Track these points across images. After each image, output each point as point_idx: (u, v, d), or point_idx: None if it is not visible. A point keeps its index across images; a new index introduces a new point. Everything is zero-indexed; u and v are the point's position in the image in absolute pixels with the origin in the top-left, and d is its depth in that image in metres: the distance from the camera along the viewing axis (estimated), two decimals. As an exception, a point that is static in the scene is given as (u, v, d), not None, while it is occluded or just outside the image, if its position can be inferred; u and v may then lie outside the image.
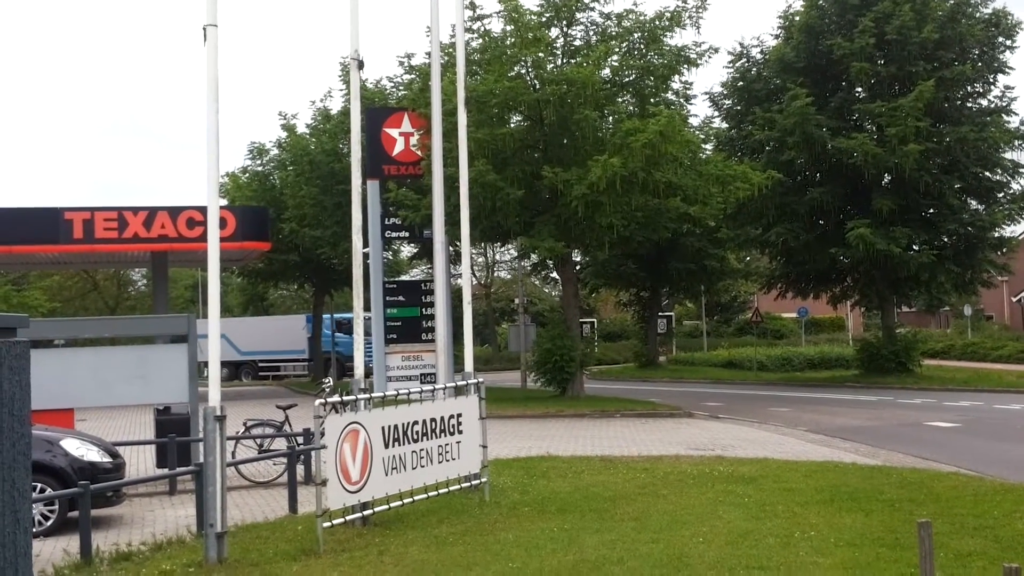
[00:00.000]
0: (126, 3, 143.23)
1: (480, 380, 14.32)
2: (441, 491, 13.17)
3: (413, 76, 35.62)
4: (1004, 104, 40.31)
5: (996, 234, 40.56)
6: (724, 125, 43.24)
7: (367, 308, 28.17)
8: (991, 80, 40.48)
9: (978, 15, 39.51)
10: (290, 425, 18.47)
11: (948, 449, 19.78)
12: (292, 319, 59.97)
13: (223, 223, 30.16)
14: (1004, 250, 42.20)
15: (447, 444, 13.13)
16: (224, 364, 55.24)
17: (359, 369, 12.90)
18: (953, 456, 18.53)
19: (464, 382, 14.24)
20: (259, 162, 49.31)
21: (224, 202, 44.42)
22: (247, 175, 49.35)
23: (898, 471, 15.72)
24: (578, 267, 44.43)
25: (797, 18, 40.68)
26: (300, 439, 16.69)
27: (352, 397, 11.89)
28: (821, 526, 11.25)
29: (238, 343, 55.87)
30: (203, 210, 29.47)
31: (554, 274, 53.60)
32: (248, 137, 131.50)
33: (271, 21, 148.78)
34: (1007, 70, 40.23)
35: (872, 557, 9.80)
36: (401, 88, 38.42)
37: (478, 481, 13.84)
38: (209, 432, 10.61)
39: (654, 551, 10.22)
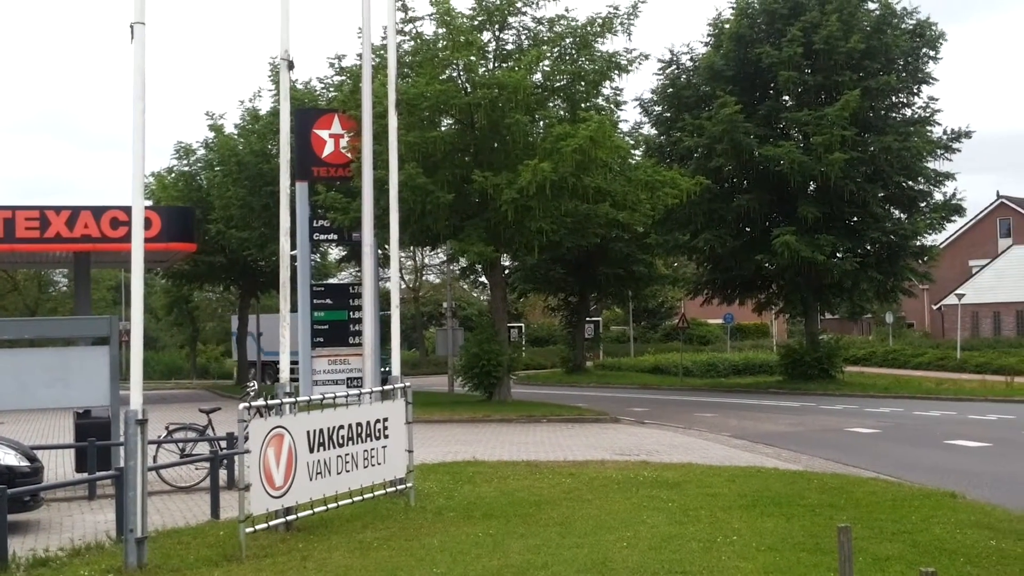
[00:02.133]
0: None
1: (407, 384, 14.25)
2: (366, 496, 13.09)
3: (344, 77, 35.44)
4: (928, 115, 41.09)
5: (918, 243, 41.28)
6: (654, 131, 43.58)
7: (293, 311, 27.98)
8: (915, 90, 41.23)
9: (903, 26, 40.22)
10: (213, 429, 18.26)
11: (868, 455, 20.07)
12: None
13: (148, 223, 29.75)
14: (925, 259, 43.01)
15: (373, 449, 13.06)
16: (251, 364, 52.39)
17: (284, 373, 12.78)
18: (873, 461, 18.80)
19: (391, 386, 14.17)
20: (185, 162, 48.73)
21: (149, 202, 43.85)
22: (173, 175, 48.75)
23: (819, 476, 15.92)
24: (507, 271, 44.53)
25: (727, 26, 41.11)
26: (223, 443, 16.49)
27: (277, 401, 11.78)
28: (743, 531, 11.36)
29: (263, 341, 51.77)
30: (127, 210, 28.98)
31: (483, 278, 53.62)
32: (174, 137, 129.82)
33: (198, 19, 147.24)
34: (931, 81, 41.07)
35: (793, 561, 9.91)
36: (331, 89, 38.19)
37: (404, 486, 13.78)
38: (130, 436, 10.44)
39: (578, 556, 10.25)
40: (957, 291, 59.37)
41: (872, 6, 40.56)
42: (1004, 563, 9.78)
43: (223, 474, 15.44)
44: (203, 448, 17.48)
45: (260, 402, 11.58)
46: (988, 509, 12.74)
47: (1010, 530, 11.31)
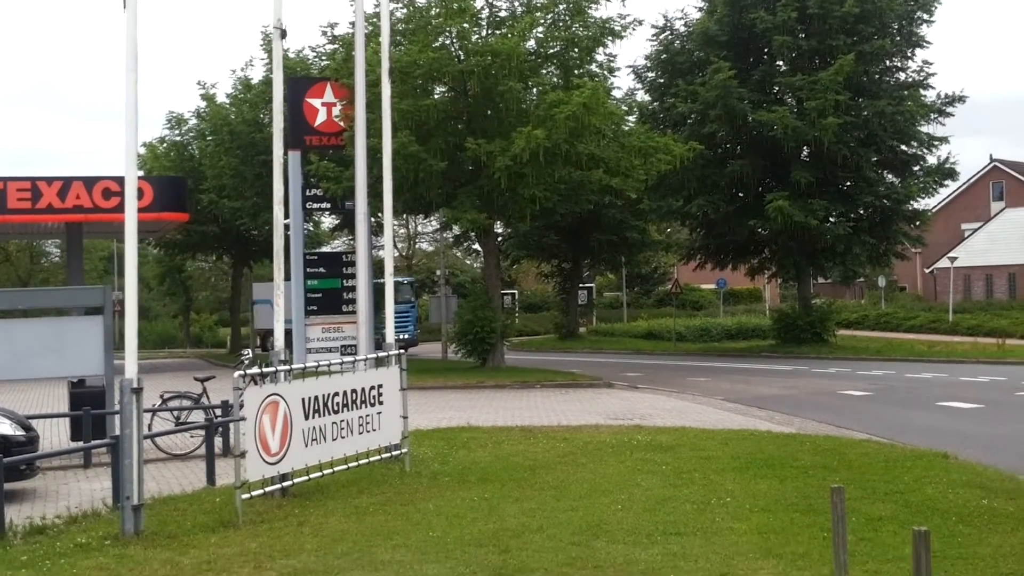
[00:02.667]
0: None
1: (401, 351, 14.31)
2: (362, 462, 13.16)
3: (336, 46, 35.26)
4: (921, 78, 41.08)
5: (911, 207, 41.33)
6: (647, 98, 43.49)
7: (287, 279, 28.01)
8: (909, 54, 41.17)
9: (898, -12, 40.10)
10: (208, 397, 18.30)
11: (861, 417, 20.18)
12: None
13: (140, 194, 29.31)
14: (918, 223, 43.06)
15: (368, 415, 13.12)
16: (268, 332, 51.64)
17: (279, 340, 12.80)
18: (865, 424, 18.91)
19: (385, 353, 14.22)
20: (177, 132, 48.57)
21: (141, 173, 43.70)
22: (165, 145, 48.62)
23: (812, 439, 16.02)
24: (500, 239, 44.48)
25: (721, -9, 40.94)
26: (218, 411, 16.54)
27: (272, 369, 11.82)
28: (737, 492, 11.45)
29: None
30: (119, 180, 28.86)
31: (476, 246, 53.58)
32: (166, 107, 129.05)
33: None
34: (925, 44, 41.00)
35: (786, 522, 10.00)
36: (323, 58, 38.01)
37: (399, 452, 13.85)
38: (126, 404, 10.47)
39: (573, 519, 10.33)
40: (949, 254, 59.49)
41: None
42: (996, 521, 9.87)
43: (218, 441, 15.50)
44: (198, 416, 17.54)
45: (255, 369, 11.59)
46: (980, 469, 12.85)
47: (1001, 489, 11.41)
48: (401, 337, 43.18)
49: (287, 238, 29.11)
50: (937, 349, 39.11)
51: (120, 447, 10.76)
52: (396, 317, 42.71)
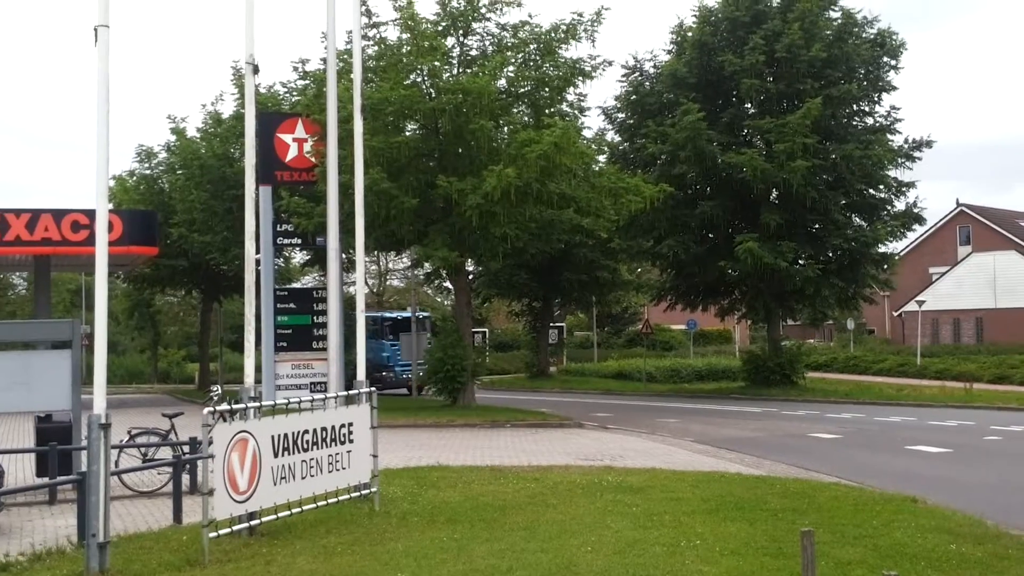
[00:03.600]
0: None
1: (372, 389, 14.25)
2: (331, 500, 13.06)
3: (308, 82, 35.32)
4: (889, 123, 41.49)
5: (879, 250, 41.58)
6: (617, 138, 43.70)
7: (258, 316, 27.87)
8: (876, 99, 41.62)
9: (864, 35, 40.63)
10: (176, 434, 18.14)
11: (830, 460, 20.22)
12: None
13: (110, 227, 29.26)
14: (886, 266, 43.36)
15: (337, 453, 13.04)
16: None
17: (248, 377, 12.72)
18: (835, 467, 18.95)
19: (356, 391, 14.15)
20: (147, 165, 48.36)
21: (111, 206, 43.50)
22: (134, 178, 48.40)
23: (782, 481, 16.02)
24: (471, 276, 44.48)
25: (689, 34, 41.36)
26: (186, 448, 16.38)
27: (241, 406, 11.74)
28: (707, 535, 11.43)
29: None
30: (89, 213, 28.74)
31: (447, 283, 53.50)
32: (135, 140, 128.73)
33: (160, 21, 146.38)
34: (891, 89, 41.42)
35: (756, 566, 9.98)
36: (294, 93, 38.06)
37: (368, 491, 13.76)
38: (93, 440, 10.38)
39: (543, 560, 10.28)
40: (917, 298, 59.99)
41: (834, 15, 40.91)
42: (964, 567, 9.90)
43: (186, 479, 15.35)
44: (166, 453, 17.38)
45: (224, 406, 11.50)
46: (948, 514, 12.88)
47: (970, 534, 11.44)
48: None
49: (257, 273, 29.05)
50: (905, 393, 39.33)
51: (87, 484, 10.64)
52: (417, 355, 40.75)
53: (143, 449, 17.92)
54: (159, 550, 11.20)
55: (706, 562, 10.15)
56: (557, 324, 63.29)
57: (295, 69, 36.76)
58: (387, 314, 46.79)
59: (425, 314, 50.01)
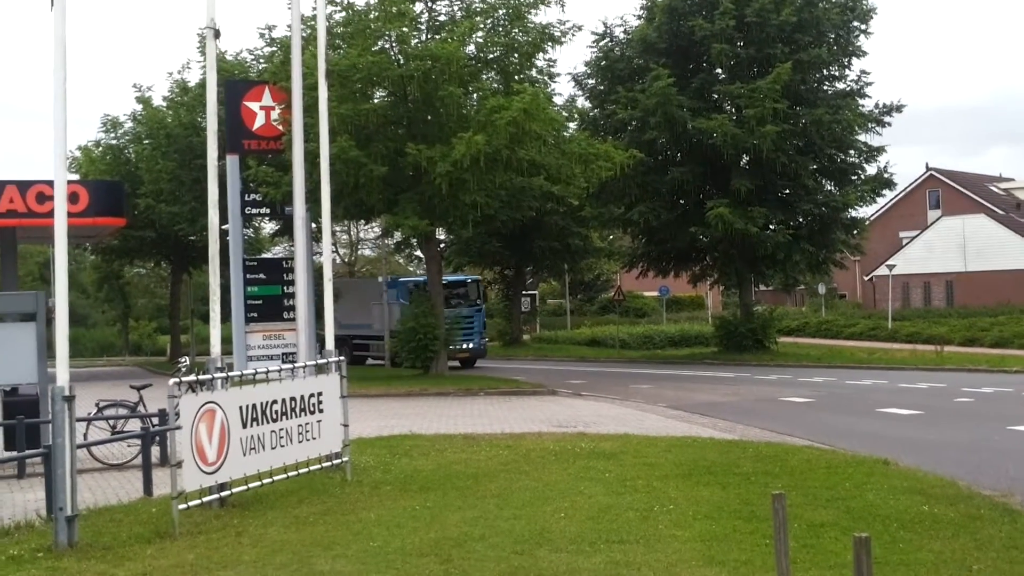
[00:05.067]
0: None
1: (342, 358, 14.14)
2: (301, 471, 12.97)
3: (274, 49, 34.95)
4: (859, 88, 41.49)
5: (849, 215, 41.68)
6: (587, 104, 43.50)
7: (227, 287, 27.65)
8: (846, 63, 41.59)
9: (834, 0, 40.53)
10: (144, 406, 17.99)
11: (802, 423, 20.28)
12: (368, 283, 49.42)
13: (75, 198, 29.14)
14: (856, 231, 43.48)
15: (307, 423, 12.93)
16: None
17: (215, 348, 12.58)
18: (807, 430, 19.00)
19: (326, 360, 14.04)
20: (113, 135, 47.97)
21: (76, 177, 43.07)
22: (100, 149, 47.95)
23: (754, 445, 16.05)
24: (442, 245, 44.36)
25: (659, -1, 41.14)
26: (155, 420, 16.24)
27: (208, 376, 11.61)
28: (680, 500, 11.41)
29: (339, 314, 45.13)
30: (53, 184, 28.42)
31: (418, 252, 53.38)
32: (101, 109, 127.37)
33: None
34: (861, 54, 41.42)
35: (729, 529, 9.97)
36: (262, 61, 37.70)
37: (339, 460, 13.67)
38: (58, 413, 10.24)
39: (516, 527, 10.23)
40: (888, 262, 60.26)
41: (804, -21, 40.77)
42: (936, 527, 9.91)
43: (155, 451, 15.21)
44: (135, 425, 17.23)
45: (191, 377, 11.37)
46: (920, 475, 12.91)
47: (941, 495, 11.47)
48: (464, 347, 40.57)
49: (225, 244, 28.78)
50: (877, 356, 39.55)
51: (52, 457, 10.50)
52: (463, 324, 39.55)
53: (112, 421, 17.76)
54: (129, 522, 11.10)
55: (679, 526, 10.13)
56: (529, 292, 63.30)
57: (262, 36, 36.48)
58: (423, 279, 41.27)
59: (474, 278, 46.98)
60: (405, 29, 30.06)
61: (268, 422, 12.16)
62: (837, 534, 9.62)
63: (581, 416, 22.04)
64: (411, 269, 75.81)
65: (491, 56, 32.10)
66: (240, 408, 11.69)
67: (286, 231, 42.85)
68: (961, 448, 16.31)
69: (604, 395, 27.54)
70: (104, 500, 13.05)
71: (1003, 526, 9.92)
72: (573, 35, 32.06)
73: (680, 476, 12.99)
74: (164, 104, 44.61)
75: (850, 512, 10.67)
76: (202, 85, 40.99)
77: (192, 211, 40.13)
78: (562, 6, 31.90)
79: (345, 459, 13.66)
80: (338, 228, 60.48)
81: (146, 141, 43.79)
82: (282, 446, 12.42)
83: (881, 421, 20.45)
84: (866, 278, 69.62)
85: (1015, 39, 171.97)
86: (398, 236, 46.62)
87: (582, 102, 43.54)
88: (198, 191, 38.38)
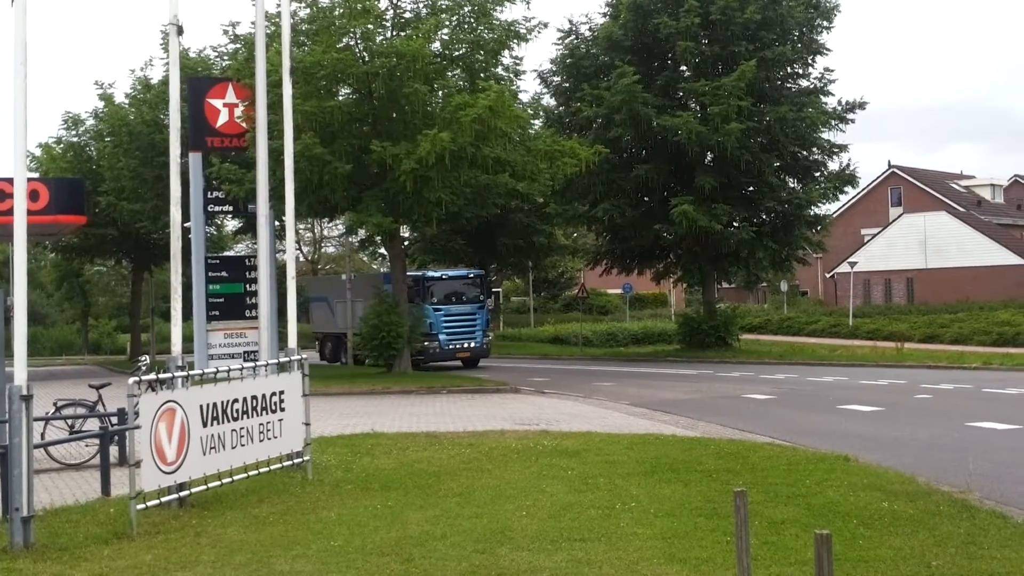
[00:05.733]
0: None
1: (304, 357, 14.07)
2: (262, 470, 12.89)
3: (238, 45, 34.72)
4: (822, 85, 41.70)
5: (812, 212, 41.88)
6: (553, 102, 43.56)
7: (189, 284, 27.48)
8: (810, 61, 41.80)
9: (799, -3, 40.73)
10: (103, 405, 17.82)
11: (764, 420, 20.36)
12: (370, 277, 46.80)
13: (35, 196, 28.89)
14: (819, 228, 43.74)
15: (269, 422, 12.86)
16: (327, 337, 45.97)
17: (176, 346, 12.48)
18: (769, 427, 19.07)
19: (287, 359, 13.96)
20: (74, 133, 47.54)
21: (36, 174, 42.68)
22: (61, 146, 47.51)
23: (716, 442, 16.08)
24: (406, 243, 44.25)
25: (625, -4, 41.16)
26: (114, 419, 16.09)
27: (168, 375, 11.51)
28: (642, 497, 11.42)
29: (350, 315, 42.63)
30: (12, 181, 28.11)
31: (382, 250, 53.25)
32: (62, 106, 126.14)
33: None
34: (825, 52, 41.64)
35: (691, 526, 9.99)
36: (225, 58, 37.44)
37: (301, 459, 13.60)
38: (14, 412, 10.12)
39: (478, 526, 10.21)
40: (849, 259, 60.69)
41: (768, -23, 40.94)
42: (896, 524, 9.96)
43: (114, 451, 15.07)
44: (93, 424, 17.06)
45: (151, 376, 11.27)
46: (880, 472, 12.98)
47: (901, 492, 11.53)
48: (465, 346, 39.13)
49: (187, 241, 28.58)
50: (838, 353, 39.80)
51: (9, 457, 10.38)
52: (460, 321, 38.31)
53: (70, 421, 17.58)
54: (86, 523, 10.99)
55: (641, 524, 10.14)
56: (493, 289, 63.18)
57: (225, 32, 36.10)
58: (430, 273, 40.15)
59: (477, 272, 43.01)
60: (370, 26, 29.97)
61: (229, 421, 12.07)
62: (798, 531, 9.65)
63: (544, 414, 22.03)
64: (375, 267, 75.66)
65: (457, 53, 32.03)
66: (200, 407, 11.61)
67: (249, 229, 42.60)
68: (921, 444, 16.42)
69: (567, 393, 27.54)
70: (61, 500, 12.91)
71: (962, 522, 9.98)
72: (539, 32, 32.11)
73: (642, 474, 13.01)
74: (126, 101, 44.22)
75: (811, 509, 10.72)
76: (165, 82, 40.65)
77: (154, 209, 39.82)
78: (528, 3, 32.21)
79: (306, 458, 13.59)
80: (301, 226, 60.29)
81: (108, 138, 43.39)
82: (243, 445, 12.34)
83: (842, 418, 20.55)
84: (828, 275, 70.07)
85: (977, 38, 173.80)
86: (362, 234, 46.47)
87: (548, 99, 43.69)
88: (160, 188, 38.07)
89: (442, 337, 38.38)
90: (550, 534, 9.77)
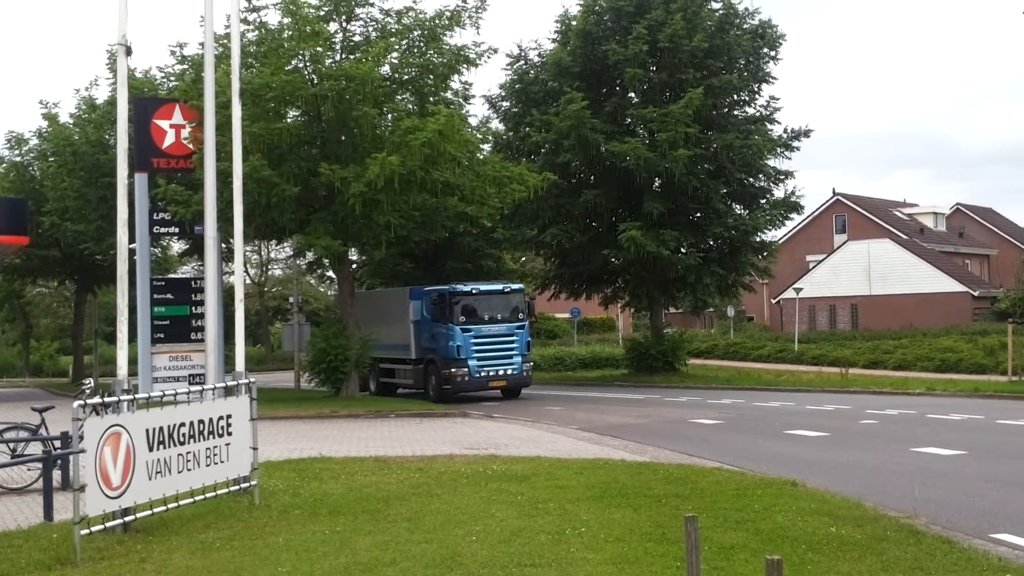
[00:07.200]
0: None
1: (251, 380, 13.92)
2: (209, 495, 12.73)
3: (186, 66, 34.53)
4: (768, 113, 42.16)
5: (758, 238, 42.24)
6: (502, 126, 43.66)
7: (133, 307, 27.16)
8: (756, 89, 42.25)
9: (745, 26, 41.20)
10: (47, 428, 17.53)
11: (712, 445, 20.42)
12: (395, 293, 40.24)
13: (-24, 215, 28.54)
14: (765, 254, 44.12)
15: (215, 446, 12.70)
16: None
17: (121, 369, 12.30)
18: (717, 452, 19.12)
19: (235, 382, 13.82)
20: (17, 152, 46.86)
21: (-23, 194, 42.07)
22: (4, 166, 46.89)
23: (665, 467, 16.10)
24: (354, 266, 44.04)
25: (574, 23, 41.42)
26: (57, 443, 15.82)
27: (114, 399, 11.35)
28: (592, 522, 11.40)
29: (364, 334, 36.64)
30: (-46, 200, 27.74)
31: (330, 273, 52.96)
32: (5, 126, 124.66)
33: (32, 2, 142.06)
34: (771, 80, 42.17)
35: (641, 552, 9.97)
36: (172, 78, 37.19)
37: (248, 484, 13.45)
38: (-46, 436, 9.94)
39: (427, 551, 10.14)
40: (795, 285, 61.24)
41: (715, 6, 41.42)
42: (844, 548, 10.01)
43: (57, 475, 14.82)
44: (36, 448, 16.77)
45: (96, 400, 11.10)
46: (827, 496, 13.06)
47: (848, 516, 11.60)
48: (500, 373, 34.04)
49: (132, 263, 28.29)
50: (784, 378, 40.06)
51: (-53, 482, 10.19)
52: (494, 344, 35.97)
53: (11, 444, 17.28)
54: (28, 548, 10.81)
55: (591, 549, 10.12)
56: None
57: (173, 53, 35.91)
58: (458, 287, 34.22)
59: (516, 286, 36.13)
60: (319, 49, 29.96)
61: (175, 445, 11.92)
62: (747, 556, 9.67)
63: (493, 438, 21.97)
64: (322, 290, 75.24)
65: (406, 77, 32.06)
66: (147, 431, 11.45)
67: (195, 251, 42.22)
68: (867, 469, 16.54)
69: (516, 417, 27.48)
70: (2, 526, 12.68)
71: (908, 547, 10.05)
72: (488, 57, 32.27)
73: (592, 498, 12.99)
74: (71, 121, 43.76)
75: (760, 534, 10.75)
76: (110, 102, 40.39)
77: (98, 230, 39.38)
78: (477, 28, 32.17)
79: (253, 483, 13.44)
80: (249, 248, 59.83)
81: (52, 158, 42.87)
82: (189, 470, 12.18)
83: (789, 443, 20.67)
84: (773, 301, 70.66)
85: (921, 68, 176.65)
86: (310, 256, 46.23)
87: (496, 124, 43.74)
88: (105, 209, 37.69)
89: (472, 363, 33.36)
90: (500, 559, 9.72)
